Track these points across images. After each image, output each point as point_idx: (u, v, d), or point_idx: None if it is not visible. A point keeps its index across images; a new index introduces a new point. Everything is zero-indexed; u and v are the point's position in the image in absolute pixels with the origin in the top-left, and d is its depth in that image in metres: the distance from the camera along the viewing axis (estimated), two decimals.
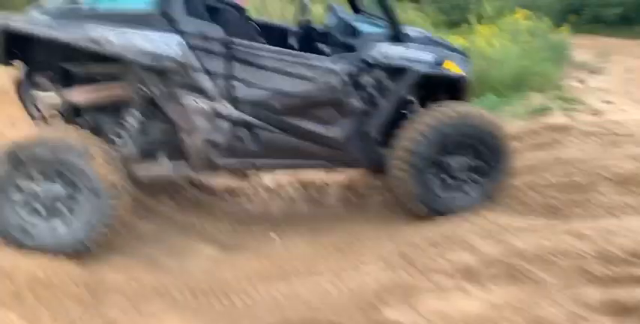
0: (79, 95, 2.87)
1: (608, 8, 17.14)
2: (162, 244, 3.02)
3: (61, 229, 2.67)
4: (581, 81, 6.90)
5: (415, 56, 3.09)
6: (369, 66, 3.04)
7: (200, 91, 2.81)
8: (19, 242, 2.61)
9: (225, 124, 2.89)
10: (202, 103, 2.83)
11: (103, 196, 2.64)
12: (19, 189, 2.63)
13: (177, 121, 2.86)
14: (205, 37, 2.79)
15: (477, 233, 2.74)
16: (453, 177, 3.14)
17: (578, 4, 19.07)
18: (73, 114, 2.95)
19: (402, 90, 3.10)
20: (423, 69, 3.08)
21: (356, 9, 3.77)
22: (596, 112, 5.03)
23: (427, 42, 3.25)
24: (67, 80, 2.89)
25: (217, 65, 2.82)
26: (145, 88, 2.81)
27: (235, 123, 2.90)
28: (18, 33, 2.60)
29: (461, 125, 3.06)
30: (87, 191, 2.63)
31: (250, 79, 2.88)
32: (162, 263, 2.85)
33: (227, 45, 2.82)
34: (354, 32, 3.32)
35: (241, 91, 2.87)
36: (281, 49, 3.03)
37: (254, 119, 2.92)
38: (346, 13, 3.74)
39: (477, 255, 2.51)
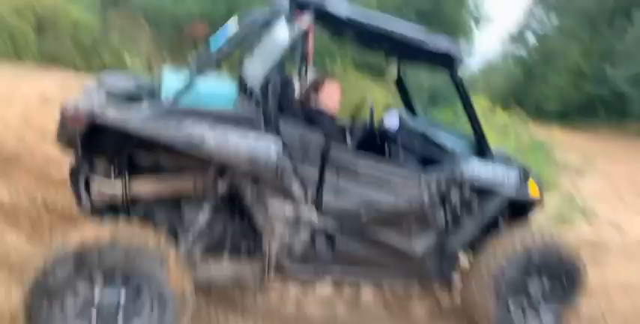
0: (144, 185, 2.63)
1: (549, 102, 18.91)
2: None
3: None
4: (573, 183, 7.29)
5: (503, 178, 3.07)
6: (458, 183, 3.01)
7: (288, 196, 2.68)
8: None
9: (306, 231, 2.77)
10: (288, 208, 2.70)
11: (169, 304, 2.39)
12: (76, 294, 2.30)
13: (258, 223, 2.69)
14: (302, 142, 2.68)
15: None
16: (531, 303, 3.12)
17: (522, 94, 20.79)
18: (127, 206, 2.71)
19: (491, 212, 3.10)
20: (511, 194, 3.09)
21: (412, 112, 3.78)
22: (616, 226, 5.29)
23: (501, 156, 3.30)
24: (127, 169, 2.67)
25: (310, 171, 2.70)
26: (223, 185, 2.66)
27: (316, 230, 2.79)
28: (109, 127, 2.34)
29: (547, 252, 3.05)
30: (152, 299, 2.38)
31: (341, 186, 2.77)
32: None
33: (323, 151, 2.72)
34: (427, 141, 3.34)
35: (330, 198, 2.75)
36: (378, 157, 2.95)
37: (335, 228, 2.80)
38: (409, 117, 3.72)
39: None
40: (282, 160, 2.57)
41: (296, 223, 2.73)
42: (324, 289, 3.55)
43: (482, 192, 3.06)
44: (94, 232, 2.34)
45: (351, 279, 3.08)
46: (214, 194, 2.68)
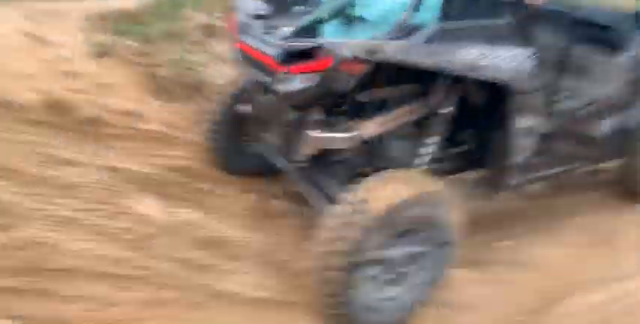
0: (373, 127, 2.42)
1: None
2: None
3: (403, 297, 2.30)
4: None
5: None
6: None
7: (532, 109, 2.52)
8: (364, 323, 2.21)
9: (535, 140, 2.63)
10: (529, 120, 2.54)
11: (449, 247, 2.31)
12: (379, 261, 2.17)
13: (502, 140, 2.57)
14: (552, 49, 2.55)
15: None
16: None
17: None
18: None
19: None
20: None
21: None
22: None
23: None
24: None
25: (549, 78, 2.58)
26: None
27: (542, 137, 2.65)
28: (393, 63, 2.09)
29: None
30: (437, 245, 2.29)
31: (571, 88, 2.72)
32: None
33: (564, 54, 2.60)
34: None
35: (560, 103, 2.67)
36: (601, 54, 2.93)
37: (557, 131, 2.71)
38: None
39: None
40: (536, 73, 2.39)
41: (531, 133, 2.58)
42: None
43: None
44: (392, 190, 2.11)
45: (554, 179, 3.06)
46: (445, 119, 2.50)
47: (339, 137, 2.36)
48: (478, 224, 2.96)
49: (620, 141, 3.14)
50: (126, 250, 2.38)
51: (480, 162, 2.88)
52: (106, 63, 4.22)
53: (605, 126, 2.99)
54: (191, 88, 4.08)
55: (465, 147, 2.83)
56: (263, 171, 3.35)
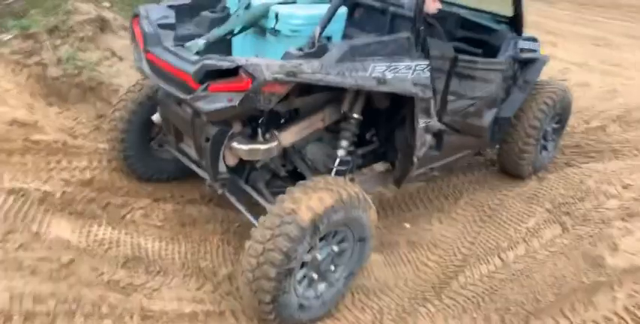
0: (291, 136, 2.63)
1: None
2: None
3: (327, 292, 2.52)
4: None
5: (535, 48, 3.63)
6: (517, 60, 3.48)
7: (428, 111, 2.77)
8: (297, 321, 2.42)
9: (429, 137, 2.91)
10: (426, 120, 2.79)
11: (367, 241, 2.55)
12: (306, 263, 2.38)
13: (404, 140, 2.87)
14: (443, 58, 2.76)
15: None
16: (547, 138, 3.98)
17: None
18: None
19: (535, 77, 3.64)
20: (545, 59, 3.71)
21: None
22: None
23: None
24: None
25: (440, 83, 2.83)
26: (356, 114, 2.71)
27: (435, 134, 2.96)
28: (309, 82, 2.23)
29: (563, 101, 3.84)
30: (357, 241, 2.54)
31: (459, 90, 2.99)
32: None
33: (453, 62, 2.84)
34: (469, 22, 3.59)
35: (449, 103, 2.94)
36: (482, 58, 3.20)
37: (447, 127, 3.01)
38: None
39: None
40: (430, 80, 2.66)
41: (426, 131, 2.85)
42: None
43: (525, 63, 3.60)
44: (317, 199, 2.27)
45: (442, 169, 3.43)
46: (355, 124, 2.73)
47: (262, 148, 2.50)
48: (380, 209, 3.28)
49: (497, 129, 3.56)
50: (46, 283, 2.32)
51: (383, 156, 3.16)
52: None
53: (487, 118, 3.37)
54: (86, 90, 3.88)
55: (371, 146, 3.06)
56: (175, 175, 3.37)
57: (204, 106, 2.20)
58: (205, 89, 2.19)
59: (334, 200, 2.28)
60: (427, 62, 2.61)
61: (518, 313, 2.74)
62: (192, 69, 2.21)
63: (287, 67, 2.12)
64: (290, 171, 2.92)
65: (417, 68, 2.56)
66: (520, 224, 3.51)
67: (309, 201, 2.24)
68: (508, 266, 3.13)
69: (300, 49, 2.30)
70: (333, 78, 2.24)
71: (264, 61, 2.15)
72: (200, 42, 2.48)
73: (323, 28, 2.34)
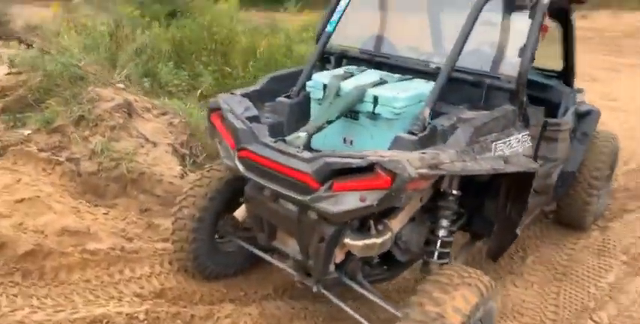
0: (399, 222, 2.39)
1: None
2: None
3: None
4: None
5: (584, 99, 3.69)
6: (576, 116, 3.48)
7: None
8: None
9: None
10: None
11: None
12: None
13: (502, 212, 2.79)
14: (537, 125, 2.81)
15: None
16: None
17: None
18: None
19: (593, 129, 3.69)
20: (597, 109, 3.76)
21: None
22: None
23: None
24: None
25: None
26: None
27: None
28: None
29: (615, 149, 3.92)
30: None
31: (545, 154, 3.04)
32: None
33: (544, 127, 2.94)
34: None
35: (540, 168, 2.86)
36: (562, 120, 3.17)
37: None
38: None
39: None
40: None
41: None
42: None
43: (582, 115, 3.64)
44: (461, 299, 2.10)
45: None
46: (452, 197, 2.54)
47: (378, 242, 2.28)
48: None
49: (560, 184, 3.52)
50: None
51: (466, 227, 3.00)
52: (7, 165, 3.57)
53: (555, 175, 3.34)
54: (127, 183, 3.63)
55: (462, 220, 2.90)
56: (242, 267, 3.18)
57: (330, 207, 2.02)
58: (329, 189, 2.03)
59: (477, 297, 2.12)
60: (528, 131, 2.55)
61: None
62: (308, 167, 2.06)
63: (428, 161, 1.98)
64: (381, 256, 2.76)
65: (522, 139, 2.50)
66: (600, 280, 3.44)
67: (453, 301, 2.06)
68: None
69: (412, 133, 2.19)
70: (471, 166, 2.13)
71: (399, 155, 2.00)
72: (302, 135, 2.30)
73: (431, 109, 2.25)
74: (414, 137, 2.17)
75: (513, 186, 2.65)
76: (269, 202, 2.42)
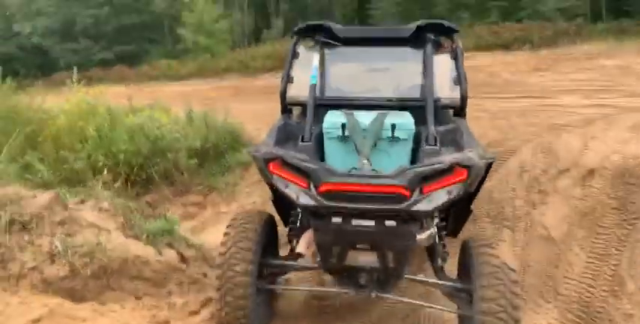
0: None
1: None
2: None
3: None
4: None
5: None
6: None
7: None
8: None
9: None
10: None
11: None
12: None
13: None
14: None
15: None
16: None
17: None
18: None
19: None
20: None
21: None
22: None
23: None
24: None
25: None
26: None
27: None
28: None
29: None
30: None
31: None
32: None
33: None
34: None
35: None
36: None
37: None
38: None
39: None
40: None
41: None
42: None
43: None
44: None
45: None
46: None
47: (433, 232, 3.20)
48: None
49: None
50: None
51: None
52: None
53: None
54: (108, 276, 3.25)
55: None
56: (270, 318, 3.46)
57: (426, 206, 2.65)
58: (420, 193, 2.66)
59: None
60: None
61: None
62: (398, 181, 2.62)
63: (480, 154, 2.83)
64: None
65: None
66: None
67: None
68: None
69: (431, 145, 2.98)
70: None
71: (463, 155, 2.81)
72: (365, 162, 2.87)
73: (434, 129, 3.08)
74: (435, 147, 2.98)
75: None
76: (343, 225, 2.77)
